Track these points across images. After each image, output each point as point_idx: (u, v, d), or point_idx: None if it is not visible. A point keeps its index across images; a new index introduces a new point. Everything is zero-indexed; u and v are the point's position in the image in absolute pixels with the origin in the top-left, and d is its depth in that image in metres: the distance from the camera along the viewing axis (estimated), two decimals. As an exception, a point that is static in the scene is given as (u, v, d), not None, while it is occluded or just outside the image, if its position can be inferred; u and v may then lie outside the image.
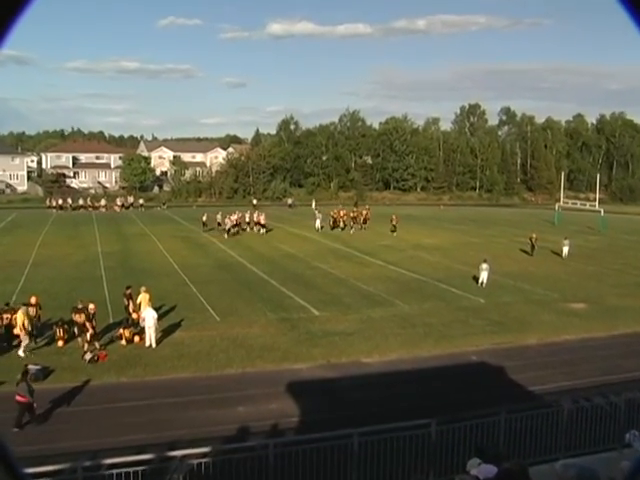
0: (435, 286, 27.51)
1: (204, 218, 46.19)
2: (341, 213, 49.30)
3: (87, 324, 17.42)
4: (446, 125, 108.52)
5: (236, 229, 44.02)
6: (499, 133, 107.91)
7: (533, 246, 36.54)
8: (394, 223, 45.72)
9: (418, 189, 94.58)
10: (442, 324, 21.24)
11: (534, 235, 36.96)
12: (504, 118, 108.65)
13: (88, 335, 17.32)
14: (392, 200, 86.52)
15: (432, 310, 23.15)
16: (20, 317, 17.18)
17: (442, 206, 77.40)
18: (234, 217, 44.28)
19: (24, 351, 16.95)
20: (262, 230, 44.99)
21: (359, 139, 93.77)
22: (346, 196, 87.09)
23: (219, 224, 45.16)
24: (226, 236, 41.58)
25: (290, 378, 15.86)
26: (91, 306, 17.96)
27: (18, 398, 12.68)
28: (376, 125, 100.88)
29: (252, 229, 45.88)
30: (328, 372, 16.54)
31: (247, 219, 46.68)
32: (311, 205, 67.72)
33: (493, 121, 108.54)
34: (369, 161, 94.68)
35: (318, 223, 47.04)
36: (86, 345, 17.23)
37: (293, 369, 16.66)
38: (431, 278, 29.10)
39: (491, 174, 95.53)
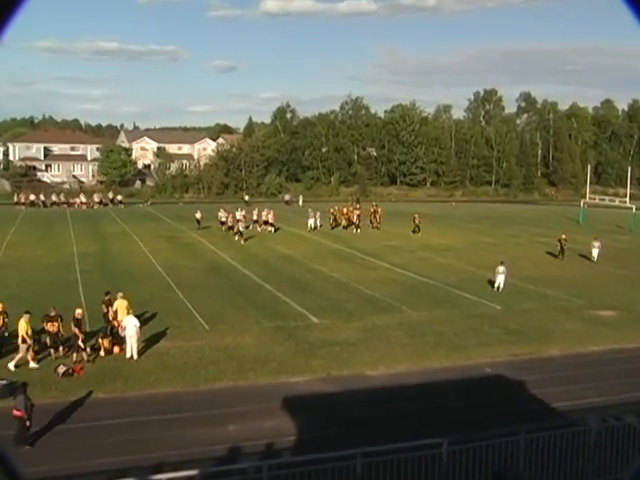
0: (446, 291, 27.51)
1: (198, 215, 46.55)
2: (344, 210, 49.26)
3: (76, 331, 17.55)
4: (459, 113, 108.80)
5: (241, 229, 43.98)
6: (518, 122, 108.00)
7: (562, 248, 35.98)
8: (417, 222, 45.37)
9: (427, 184, 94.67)
10: (454, 333, 21.23)
11: (564, 236, 36.38)
12: (523, 105, 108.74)
13: (80, 342, 17.50)
14: (399, 196, 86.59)
15: (443, 317, 23.14)
16: (22, 326, 17.16)
17: (454, 203, 77.52)
18: (239, 214, 44.15)
19: (16, 364, 16.96)
20: (270, 229, 45.06)
21: (362, 129, 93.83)
22: (348, 191, 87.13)
23: (222, 223, 45.35)
24: (243, 242, 39.25)
25: (286, 392, 15.83)
26: (78, 311, 18.13)
27: (15, 412, 12.74)
28: (381, 113, 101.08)
29: (260, 228, 45.79)
30: (328, 386, 16.52)
31: (255, 217, 46.63)
32: (298, 202, 67.64)
33: (511, 108, 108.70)
34: (373, 153, 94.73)
35: (312, 222, 46.95)
36: (84, 354, 17.49)
37: (290, 383, 16.64)
38: (442, 282, 29.09)
39: (508, 167, 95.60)
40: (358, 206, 52.39)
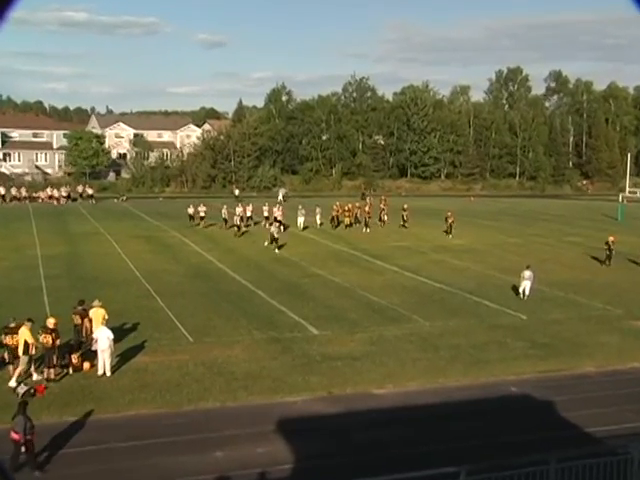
0: (464, 298, 27.55)
1: (190, 210, 47.56)
2: (346, 207, 49.09)
3: (56, 343, 17.55)
4: (478, 95, 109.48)
5: (245, 224, 44.67)
6: (546, 105, 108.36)
7: (610, 253, 35.23)
8: (450, 222, 44.79)
9: (442, 176, 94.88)
10: (473, 346, 21.27)
11: (612, 238, 35.77)
12: (553, 85, 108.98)
13: (55, 357, 17.55)
14: (409, 190, 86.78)
15: (460, 328, 23.19)
16: (27, 335, 17.29)
17: (472, 197, 77.58)
18: (239, 210, 44.69)
19: (17, 380, 17.03)
20: (281, 227, 45.16)
21: (368, 114, 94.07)
22: (351, 185, 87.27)
23: (201, 218, 46.81)
24: (277, 251, 37.52)
25: (282, 414, 15.84)
26: (51, 320, 18.07)
27: (13, 435, 12.75)
28: (389, 96, 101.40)
29: (269, 226, 45.96)
30: (330, 406, 16.52)
31: (266, 213, 46.99)
32: (278, 195, 67.17)
33: (539, 89, 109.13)
34: (381, 141, 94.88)
35: (301, 220, 46.72)
36: (52, 372, 17.44)
37: (285, 402, 16.65)
38: (459, 288, 29.15)
39: (535, 157, 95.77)
40: (369, 201, 52.22)
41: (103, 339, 18.02)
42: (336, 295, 27.75)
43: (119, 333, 20.37)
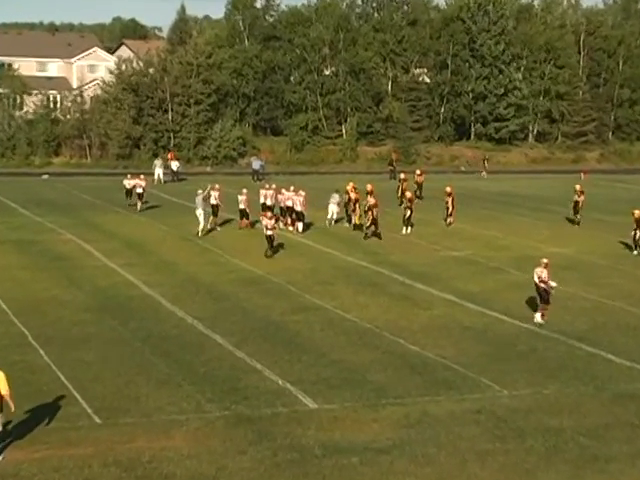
0: (569, 348, 27.65)
1: (139, 189, 50.54)
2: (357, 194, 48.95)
3: None
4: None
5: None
6: None
7: None
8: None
9: (530, 138, 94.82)
10: (584, 432, 21.19)
11: None
12: None
13: None
14: (474, 162, 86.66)
15: (563, 401, 23.19)
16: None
17: (584, 174, 77.57)
18: (242, 198, 46.82)
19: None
20: (298, 225, 46.54)
21: (403, 31, 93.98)
22: (374, 153, 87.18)
23: (243, 214, 47.30)
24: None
25: None
26: None
27: None
28: (441, 0, 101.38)
29: (285, 225, 47.52)
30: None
31: (268, 201, 47.58)
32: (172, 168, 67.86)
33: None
34: (424, 78, 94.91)
35: (334, 210, 46.50)
36: None
37: (261, 530, 16.63)
38: (560, 331, 29.25)
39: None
40: (404, 177, 52.23)
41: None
42: (348, 342, 27.82)
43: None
